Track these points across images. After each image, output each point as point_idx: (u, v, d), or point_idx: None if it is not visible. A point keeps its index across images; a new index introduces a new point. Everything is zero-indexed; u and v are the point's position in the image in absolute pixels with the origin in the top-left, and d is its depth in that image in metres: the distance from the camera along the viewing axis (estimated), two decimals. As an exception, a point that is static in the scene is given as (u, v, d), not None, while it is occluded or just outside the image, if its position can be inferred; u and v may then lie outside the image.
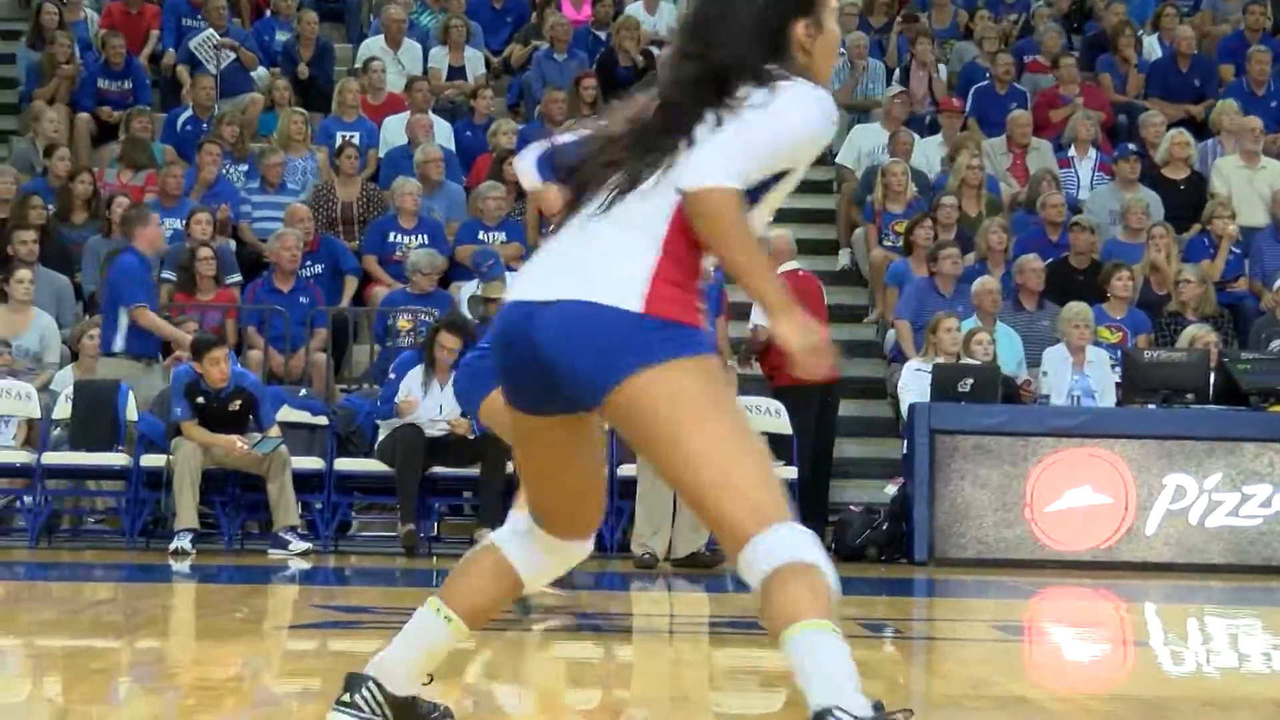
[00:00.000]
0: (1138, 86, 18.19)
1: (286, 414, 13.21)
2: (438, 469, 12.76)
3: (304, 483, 12.89)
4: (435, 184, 15.63)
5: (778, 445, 13.36)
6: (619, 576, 11.56)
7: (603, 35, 18.38)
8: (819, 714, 3.72)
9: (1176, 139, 16.53)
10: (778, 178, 4.02)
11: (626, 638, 7.50)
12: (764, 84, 3.97)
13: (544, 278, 4.01)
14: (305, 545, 12.44)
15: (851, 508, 13.43)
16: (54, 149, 16.11)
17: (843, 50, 18.40)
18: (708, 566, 11.86)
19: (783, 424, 13.13)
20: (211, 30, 17.65)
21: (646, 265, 3.89)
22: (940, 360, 13.24)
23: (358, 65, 17.92)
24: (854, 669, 3.77)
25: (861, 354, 15.19)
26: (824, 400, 13.50)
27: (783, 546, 3.82)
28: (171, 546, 12.18)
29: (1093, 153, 16.92)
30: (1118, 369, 13.60)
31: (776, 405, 13.28)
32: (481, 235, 15.12)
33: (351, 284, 15.05)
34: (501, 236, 15.09)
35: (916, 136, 16.96)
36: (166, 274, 14.70)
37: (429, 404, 12.70)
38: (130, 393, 13.26)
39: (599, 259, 3.93)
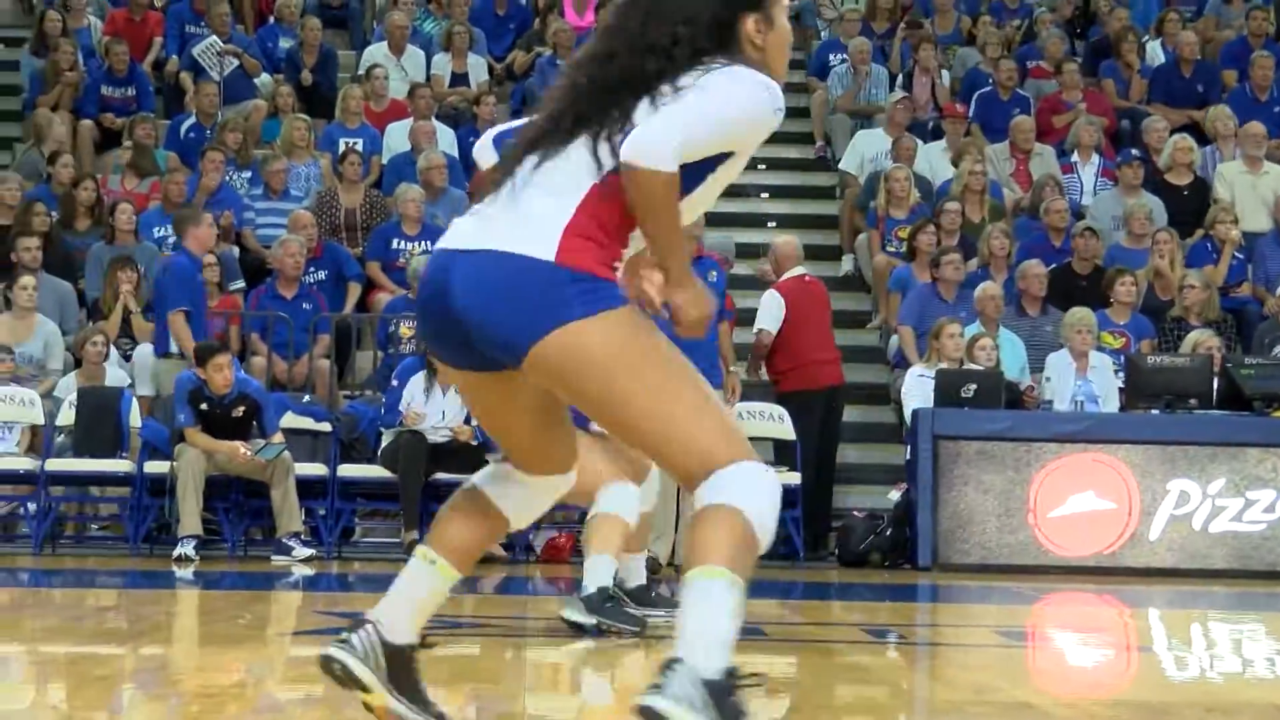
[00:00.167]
0: (1141, 92, 18.20)
1: (290, 420, 13.22)
2: (441, 475, 12.75)
3: (307, 489, 12.90)
4: (438, 190, 15.64)
5: (781, 451, 13.39)
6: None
7: (605, 41, 18.36)
8: (666, 663, 3.74)
9: (1179, 144, 16.53)
10: (721, 159, 4.02)
11: (629, 642, 7.49)
12: (704, 67, 3.98)
13: (466, 230, 4.02)
14: (309, 551, 12.44)
15: (855, 513, 13.44)
16: (57, 156, 16.13)
17: (846, 56, 18.44)
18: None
19: (786, 429, 13.14)
20: (215, 37, 17.67)
21: (562, 218, 3.89)
22: (943, 366, 13.24)
23: (361, 72, 17.93)
24: (731, 625, 3.74)
25: (865, 360, 15.20)
26: (828, 405, 13.51)
27: (714, 490, 3.82)
28: (175, 553, 12.20)
29: (1096, 158, 16.93)
30: (1121, 374, 13.60)
31: (780, 411, 13.29)
32: (484, 241, 15.10)
33: (355, 290, 15.06)
34: (504, 242, 15.07)
35: (920, 142, 16.97)
36: (170, 280, 14.73)
37: (431, 410, 12.72)
38: (134, 399, 13.29)
39: (518, 213, 3.94)
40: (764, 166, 18.35)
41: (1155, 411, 12.85)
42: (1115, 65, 18.36)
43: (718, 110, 3.92)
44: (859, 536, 13.08)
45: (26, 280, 13.94)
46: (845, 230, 16.96)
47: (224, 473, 12.66)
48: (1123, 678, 7.29)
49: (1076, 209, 16.26)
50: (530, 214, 3.92)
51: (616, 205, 3.92)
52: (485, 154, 4.92)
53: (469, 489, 4.40)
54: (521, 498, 4.35)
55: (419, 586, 4.38)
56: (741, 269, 15.18)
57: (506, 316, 3.85)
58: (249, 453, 12.49)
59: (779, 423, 13.24)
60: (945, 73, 18.38)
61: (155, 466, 12.86)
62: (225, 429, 12.53)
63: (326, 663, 4.34)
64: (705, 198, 4.07)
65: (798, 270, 13.72)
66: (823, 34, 19.90)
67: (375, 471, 13.01)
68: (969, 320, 13.86)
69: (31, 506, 13.20)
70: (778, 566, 13.18)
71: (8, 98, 18.75)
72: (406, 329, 14.22)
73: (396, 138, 16.85)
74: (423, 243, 15.02)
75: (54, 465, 13.03)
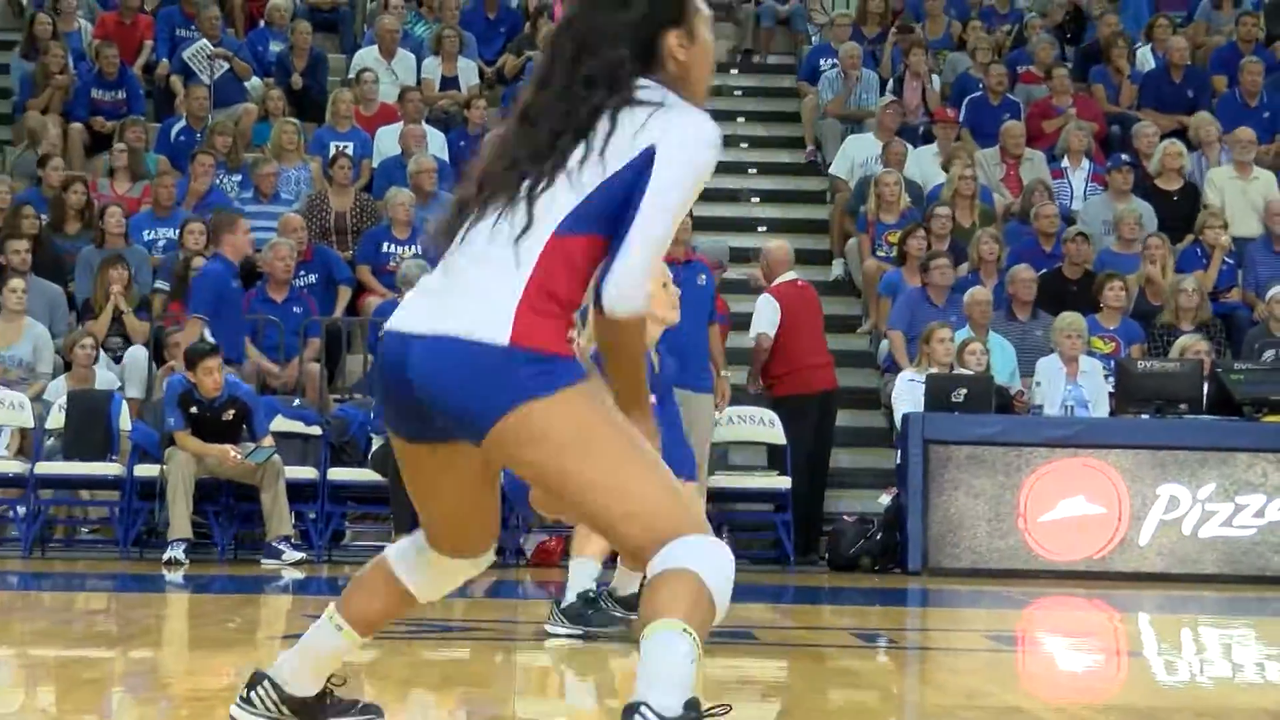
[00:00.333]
0: (1131, 97, 18.22)
1: (280, 424, 13.21)
2: (431, 479, 12.73)
3: (297, 492, 12.90)
4: (429, 194, 15.62)
5: (772, 455, 13.39)
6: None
7: (596, 46, 18.36)
8: (628, 708, 3.74)
9: (1169, 149, 16.55)
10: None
11: (618, 648, 7.49)
12: (634, 103, 3.94)
13: (419, 308, 4.00)
14: (299, 555, 12.44)
15: (845, 518, 13.44)
16: (48, 159, 16.11)
17: (836, 60, 18.44)
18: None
19: (777, 433, 13.15)
20: (205, 41, 17.65)
21: (513, 297, 3.87)
22: (934, 370, 13.25)
23: (351, 75, 17.92)
24: (691, 670, 3.74)
25: (855, 364, 15.20)
26: (822, 410, 13.52)
27: (665, 558, 3.84)
28: (165, 556, 12.18)
29: (1086, 163, 16.94)
30: (1111, 379, 13.61)
31: (771, 415, 13.29)
32: (475, 246, 15.10)
33: (345, 294, 15.04)
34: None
35: (910, 147, 16.98)
36: (160, 283, 14.72)
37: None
38: (124, 402, 13.28)
39: (468, 290, 3.92)
40: (754, 171, 18.37)
41: (1145, 416, 12.86)
42: (1105, 70, 18.37)
43: (675, 204, 3.91)
44: (849, 541, 13.09)
45: (16, 283, 13.93)
46: (835, 235, 16.97)
47: (214, 476, 12.65)
48: (1113, 683, 7.29)
49: (1066, 214, 16.27)
50: (481, 293, 3.90)
51: (564, 268, 3.90)
52: None
53: (380, 562, 4.48)
54: (430, 578, 4.41)
55: (324, 647, 4.48)
56: (733, 273, 15.18)
57: (466, 400, 3.88)
58: (239, 456, 12.48)
59: (770, 427, 13.25)
60: (936, 77, 18.39)
61: (145, 470, 12.84)
62: (215, 432, 12.52)
63: None
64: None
65: (789, 275, 13.74)
66: (813, 39, 19.92)
67: (365, 475, 13.00)
68: (959, 325, 13.87)
69: (21, 510, 13.18)
70: (768, 571, 13.19)
71: (-2, 101, 18.74)
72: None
73: (387, 141, 16.83)
74: (413, 246, 15.00)
75: (44, 468, 13.01)
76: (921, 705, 6.25)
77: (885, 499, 13.20)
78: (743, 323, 14.08)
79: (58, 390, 13.50)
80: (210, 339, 12.85)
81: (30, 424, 13.27)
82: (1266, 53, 18.59)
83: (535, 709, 5.94)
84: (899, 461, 13.02)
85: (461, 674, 6.83)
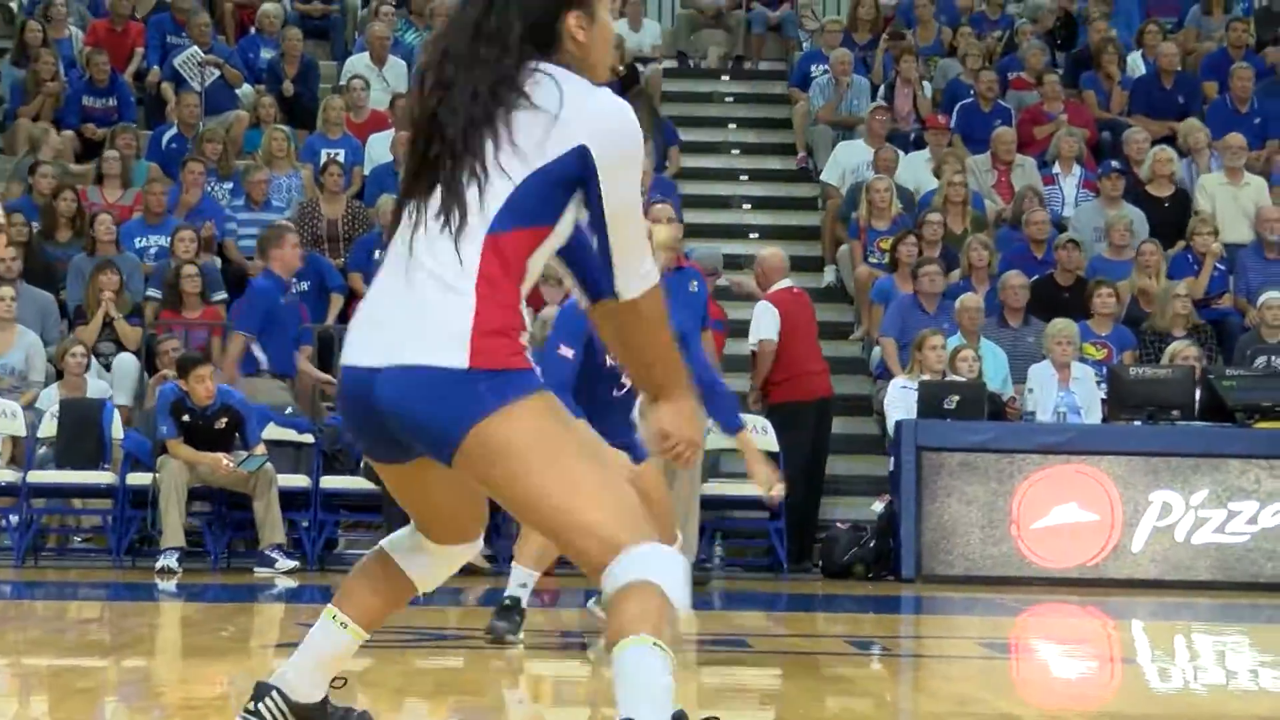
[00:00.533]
0: (1121, 103, 18.23)
1: (272, 432, 13.18)
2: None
3: (290, 501, 12.88)
4: (421, 202, 15.58)
5: (765, 462, 13.35)
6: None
7: (587, 52, 18.35)
8: None
9: (1160, 156, 16.56)
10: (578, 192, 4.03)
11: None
12: (535, 89, 3.90)
13: (372, 339, 4.00)
14: (291, 563, 12.42)
15: (838, 525, 13.43)
16: (38, 166, 16.09)
17: (827, 67, 18.45)
18: (700, 585, 11.84)
19: (770, 441, 13.12)
20: (196, 48, 17.64)
21: (466, 317, 3.85)
22: (926, 377, 13.25)
23: (342, 82, 17.92)
24: (667, 684, 3.77)
25: (847, 371, 15.19)
26: (819, 417, 13.52)
27: (624, 570, 3.84)
28: (157, 565, 12.17)
29: (1077, 169, 16.96)
30: (1103, 385, 13.61)
31: (764, 423, 13.28)
32: (466, 253, 15.08)
33: (337, 302, 15.02)
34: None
35: (901, 153, 16.98)
36: (152, 291, 14.70)
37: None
38: (115, 410, 13.26)
39: (422, 317, 3.90)
40: (746, 178, 18.37)
41: (1137, 423, 12.87)
42: (1096, 77, 18.39)
43: (633, 201, 3.96)
44: (842, 548, 13.08)
45: (6, 291, 13.91)
46: (827, 241, 16.97)
47: (206, 484, 12.64)
48: (1106, 689, 7.30)
49: (1058, 220, 16.28)
50: (434, 317, 3.88)
51: (501, 269, 3.89)
52: None
53: (378, 553, 4.50)
54: (428, 565, 4.46)
55: (329, 646, 4.48)
56: (724, 281, 15.17)
57: (431, 426, 3.88)
58: (231, 464, 12.47)
59: (762, 434, 13.23)
60: (927, 84, 18.40)
61: (137, 478, 12.83)
62: (208, 440, 12.50)
63: None
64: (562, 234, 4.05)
65: (785, 282, 13.74)
66: (804, 45, 19.91)
67: (358, 483, 12.98)
68: (951, 331, 13.87)
69: (13, 519, 13.15)
70: (762, 579, 13.20)
71: (-12, 108, 18.71)
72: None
73: (378, 148, 16.83)
74: (405, 254, 14.98)
75: (36, 477, 13.00)
76: (915, 712, 6.25)
77: (878, 506, 13.19)
78: (739, 330, 14.07)
79: (50, 398, 13.47)
80: (259, 355, 12.89)
81: (22, 432, 13.25)
82: (1257, 59, 18.61)
83: (530, 717, 5.94)
84: (892, 468, 13.03)
85: (455, 682, 6.83)
